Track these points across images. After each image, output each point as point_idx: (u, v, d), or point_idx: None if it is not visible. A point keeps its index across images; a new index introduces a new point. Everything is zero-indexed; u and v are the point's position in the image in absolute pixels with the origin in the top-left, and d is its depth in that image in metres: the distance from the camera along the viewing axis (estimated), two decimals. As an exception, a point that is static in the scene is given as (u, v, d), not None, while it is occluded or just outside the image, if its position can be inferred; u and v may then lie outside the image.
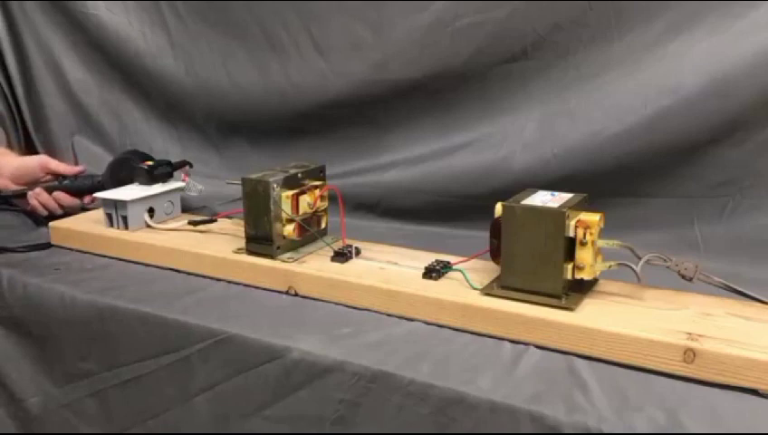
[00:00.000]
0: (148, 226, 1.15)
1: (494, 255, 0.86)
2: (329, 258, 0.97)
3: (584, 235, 0.78)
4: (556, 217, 0.78)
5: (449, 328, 0.83)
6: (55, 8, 1.50)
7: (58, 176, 1.28)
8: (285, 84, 1.31)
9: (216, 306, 0.91)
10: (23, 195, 1.26)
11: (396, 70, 1.19)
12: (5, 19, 1.53)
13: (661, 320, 0.76)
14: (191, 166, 1.25)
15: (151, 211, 1.16)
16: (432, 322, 0.84)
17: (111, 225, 1.15)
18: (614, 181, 1.06)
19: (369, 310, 0.88)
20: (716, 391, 0.68)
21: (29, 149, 1.65)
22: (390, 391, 0.74)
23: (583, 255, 0.79)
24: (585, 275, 0.80)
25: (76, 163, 1.57)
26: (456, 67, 1.15)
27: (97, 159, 1.57)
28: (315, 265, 0.95)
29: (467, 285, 0.86)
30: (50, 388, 1.02)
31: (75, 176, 1.28)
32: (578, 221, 0.79)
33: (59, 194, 1.24)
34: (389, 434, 0.75)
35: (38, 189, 1.23)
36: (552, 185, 0.88)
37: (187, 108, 1.44)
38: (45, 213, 1.23)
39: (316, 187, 1.01)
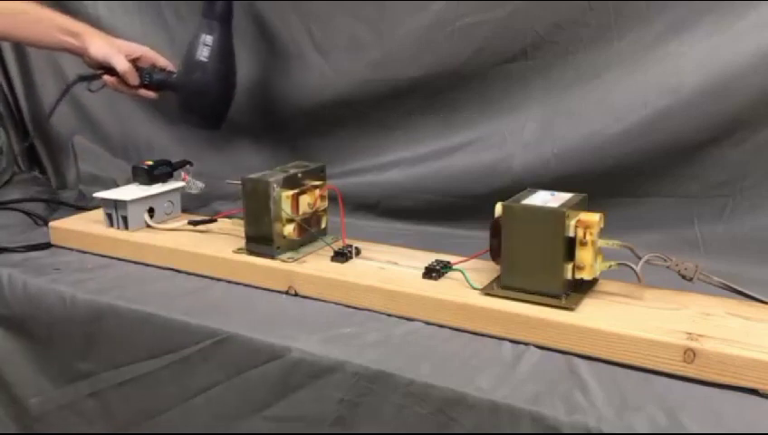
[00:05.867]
0: (148, 226, 1.15)
1: (494, 255, 0.86)
2: (329, 258, 0.97)
3: (584, 235, 0.78)
4: (556, 217, 0.78)
5: (449, 328, 0.83)
6: (55, 8, 1.50)
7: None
8: (285, 84, 1.31)
9: (216, 306, 0.91)
10: (97, 76, 1.24)
11: (396, 70, 1.19)
12: (6, 19, 1.53)
13: (661, 320, 0.76)
14: (191, 165, 1.25)
15: (151, 211, 1.16)
16: (432, 322, 0.84)
17: (111, 225, 1.15)
18: (614, 181, 1.06)
19: (369, 310, 0.88)
20: (716, 391, 0.68)
21: (29, 149, 1.66)
22: (390, 391, 0.74)
23: (583, 255, 0.79)
24: (585, 275, 0.80)
25: (76, 162, 1.58)
26: (455, 67, 1.15)
27: (97, 159, 1.58)
28: (315, 265, 0.95)
29: (467, 285, 0.86)
30: (50, 388, 1.02)
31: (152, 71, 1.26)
32: (578, 221, 0.79)
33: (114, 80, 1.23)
34: (389, 434, 0.75)
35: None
36: (552, 185, 0.88)
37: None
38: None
39: (316, 187, 1.01)
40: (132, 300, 0.94)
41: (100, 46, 1.20)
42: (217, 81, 1.24)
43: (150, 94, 1.26)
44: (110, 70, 1.21)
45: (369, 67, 1.22)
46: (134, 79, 1.22)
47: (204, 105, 1.25)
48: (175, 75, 1.25)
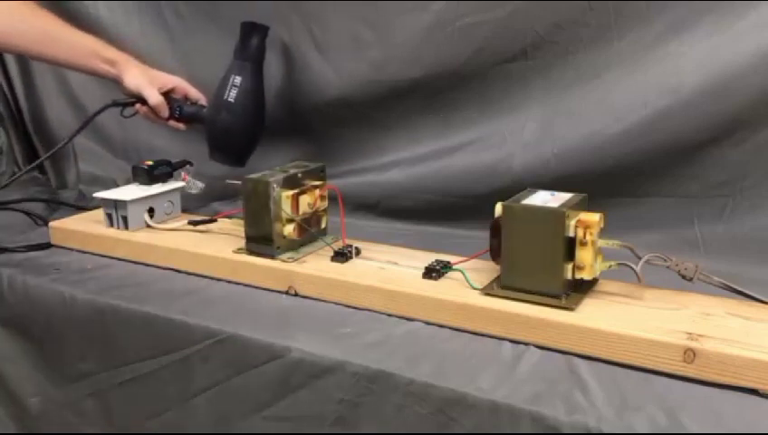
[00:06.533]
0: (148, 226, 1.15)
1: (494, 255, 0.86)
2: (329, 258, 0.97)
3: (584, 235, 0.78)
4: (556, 217, 0.78)
5: (449, 328, 0.83)
6: (55, 8, 1.49)
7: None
8: (285, 84, 1.31)
9: (216, 306, 0.91)
10: (130, 104, 1.27)
11: (396, 70, 1.19)
12: (6, 19, 1.53)
13: (661, 320, 0.76)
14: (191, 165, 1.25)
15: (151, 211, 1.16)
16: (432, 322, 0.84)
17: (111, 225, 1.15)
18: (614, 181, 1.06)
19: (369, 310, 0.88)
20: (716, 391, 0.68)
21: (29, 149, 1.66)
22: (390, 391, 0.74)
23: (583, 255, 0.79)
24: (585, 275, 0.80)
25: (76, 162, 1.58)
26: (455, 67, 1.15)
27: (97, 160, 1.58)
28: (315, 265, 0.95)
29: (467, 285, 0.86)
30: (50, 388, 1.02)
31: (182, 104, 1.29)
32: (578, 221, 0.79)
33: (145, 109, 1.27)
34: (389, 434, 0.75)
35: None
36: (552, 185, 0.88)
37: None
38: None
39: (316, 187, 1.01)
40: (132, 300, 0.94)
41: (135, 76, 1.24)
42: (243, 122, 1.25)
43: (179, 126, 1.29)
44: (143, 100, 1.25)
45: (369, 67, 1.22)
46: (164, 111, 1.26)
47: (227, 144, 1.27)
48: (205, 109, 1.27)
